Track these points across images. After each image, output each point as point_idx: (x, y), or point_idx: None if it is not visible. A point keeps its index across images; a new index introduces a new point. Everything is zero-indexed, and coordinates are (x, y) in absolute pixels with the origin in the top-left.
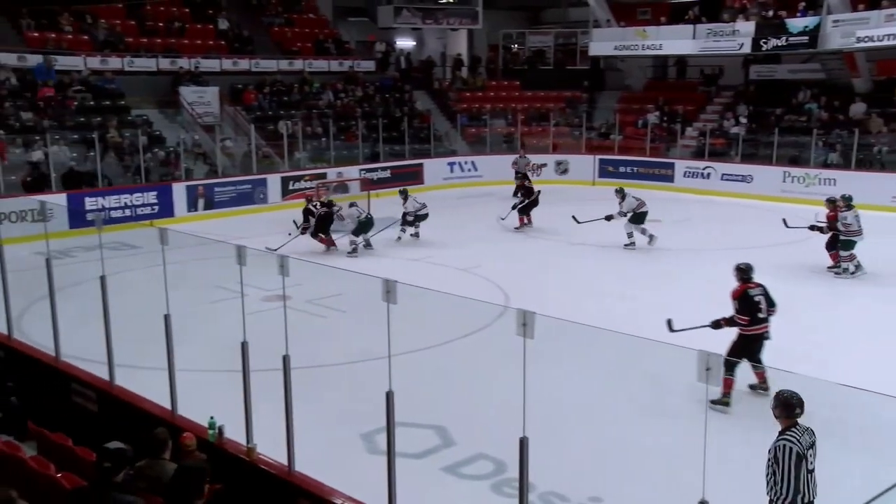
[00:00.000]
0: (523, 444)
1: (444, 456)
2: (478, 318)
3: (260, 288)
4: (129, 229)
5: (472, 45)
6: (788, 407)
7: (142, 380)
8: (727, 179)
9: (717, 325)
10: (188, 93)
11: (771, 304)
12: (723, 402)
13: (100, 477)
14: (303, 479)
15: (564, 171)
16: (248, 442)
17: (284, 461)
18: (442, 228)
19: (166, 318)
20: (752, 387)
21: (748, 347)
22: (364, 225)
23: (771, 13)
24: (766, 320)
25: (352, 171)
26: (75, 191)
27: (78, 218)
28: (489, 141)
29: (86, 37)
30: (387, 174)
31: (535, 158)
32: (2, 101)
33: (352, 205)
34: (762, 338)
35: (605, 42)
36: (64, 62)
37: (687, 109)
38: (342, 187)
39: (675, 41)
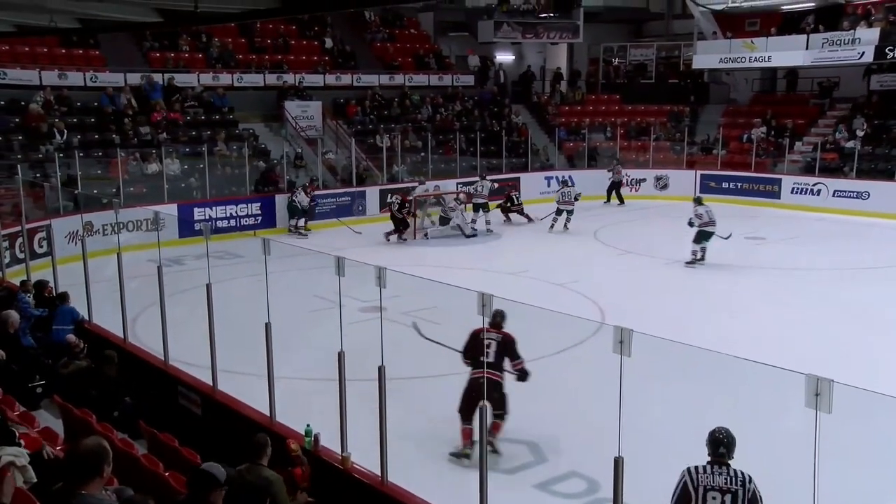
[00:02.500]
0: (618, 463)
1: (537, 472)
2: (573, 334)
3: (357, 299)
4: (234, 239)
5: (573, 59)
6: (711, 444)
7: (243, 385)
8: (840, 196)
9: None
10: (293, 107)
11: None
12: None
13: (191, 499)
14: (395, 489)
15: (664, 187)
16: (342, 451)
17: (378, 471)
18: (540, 242)
19: (267, 326)
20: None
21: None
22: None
23: None
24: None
25: (449, 185)
26: (185, 201)
27: (187, 227)
28: (587, 155)
29: (200, 55)
30: None
31: (633, 173)
32: (121, 119)
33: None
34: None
35: (709, 55)
36: (180, 79)
37: (797, 123)
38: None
39: (786, 52)
